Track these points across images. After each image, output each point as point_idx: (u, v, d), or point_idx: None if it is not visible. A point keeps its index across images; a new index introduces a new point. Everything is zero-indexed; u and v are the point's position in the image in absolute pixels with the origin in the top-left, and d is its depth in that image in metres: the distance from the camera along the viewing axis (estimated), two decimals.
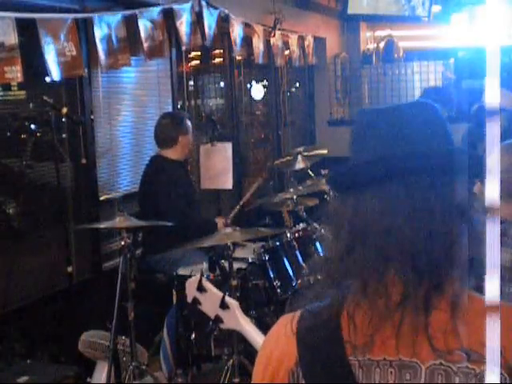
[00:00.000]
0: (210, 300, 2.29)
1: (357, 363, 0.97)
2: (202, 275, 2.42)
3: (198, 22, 4.68)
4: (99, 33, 3.75)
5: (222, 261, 3.42)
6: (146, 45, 4.11)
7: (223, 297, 2.24)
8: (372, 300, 0.96)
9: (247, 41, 5.64)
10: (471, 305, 0.95)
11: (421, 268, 0.94)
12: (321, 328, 1.00)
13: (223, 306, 2.21)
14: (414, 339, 0.95)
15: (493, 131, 0.56)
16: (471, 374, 0.93)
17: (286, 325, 1.04)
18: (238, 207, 4.52)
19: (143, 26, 4.08)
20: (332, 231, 1.04)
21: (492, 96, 0.56)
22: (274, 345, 1.05)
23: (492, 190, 0.55)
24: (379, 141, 1.01)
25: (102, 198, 4.40)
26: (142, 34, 4.08)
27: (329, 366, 0.98)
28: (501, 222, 0.56)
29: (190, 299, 2.41)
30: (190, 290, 2.41)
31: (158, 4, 4.35)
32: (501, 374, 0.91)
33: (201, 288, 2.35)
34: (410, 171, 0.97)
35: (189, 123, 4.34)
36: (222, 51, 6.21)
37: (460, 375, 0.94)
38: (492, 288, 0.56)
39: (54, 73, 3.42)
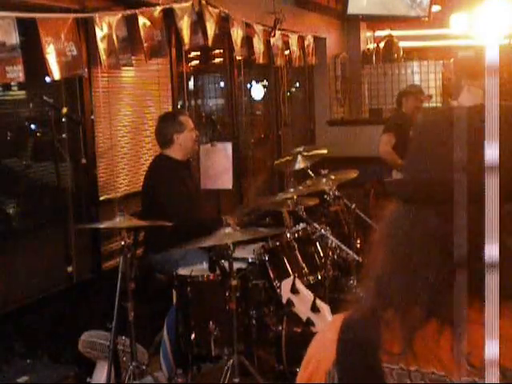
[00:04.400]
0: (303, 302, 2.28)
1: (389, 371, 0.95)
2: (295, 276, 2.42)
3: (198, 21, 4.68)
4: (100, 33, 3.75)
5: (222, 261, 3.43)
6: (145, 45, 4.11)
7: (314, 300, 2.22)
8: (410, 309, 0.95)
9: (247, 41, 5.64)
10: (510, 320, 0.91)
11: (463, 282, 0.91)
12: (360, 333, 0.99)
13: (314, 309, 2.20)
14: (448, 353, 0.92)
15: (492, 127, 0.56)
16: None
17: (331, 327, 1.04)
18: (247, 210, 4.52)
19: (143, 25, 4.08)
20: (387, 241, 1.01)
21: (492, 96, 0.57)
22: (317, 345, 1.06)
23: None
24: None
25: (101, 198, 4.40)
26: (142, 34, 4.08)
27: (362, 371, 0.98)
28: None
29: (284, 300, 2.42)
30: (285, 292, 2.41)
31: (158, 4, 4.36)
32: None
33: (294, 289, 2.35)
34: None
35: (184, 121, 4.30)
36: (222, 51, 6.21)
37: None
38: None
39: (55, 73, 3.42)
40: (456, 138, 0.94)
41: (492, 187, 0.56)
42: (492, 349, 0.56)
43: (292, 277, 2.42)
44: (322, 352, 1.03)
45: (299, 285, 2.37)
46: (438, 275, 0.94)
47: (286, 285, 2.41)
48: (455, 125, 0.95)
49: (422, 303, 0.94)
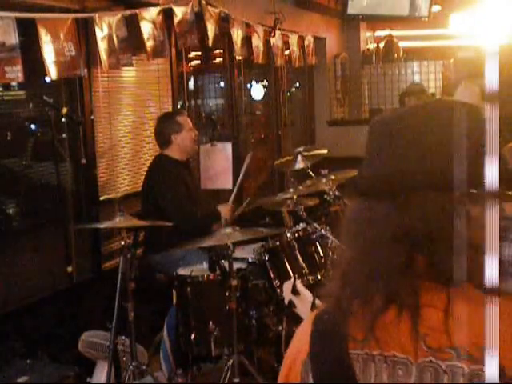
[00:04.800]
0: (303, 303, 2.30)
1: (356, 357, 1.02)
2: (295, 278, 2.43)
3: (197, 21, 4.68)
4: (100, 33, 3.75)
5: (222, 261, 3.43)
6: (148, 45, 4.11)
7: (314, 300, 2.23)
8: (371, 297, 1.01)
9: (247, 41, 5.64)
10: (468, 303, 0.97)
11: (417, 268, 0.99)
12: (330, 323, 1.06)
13: (313, 308, 2.21)
14: (407, 336, 0.98)
15: (492, 127, 0.56)
16: (459, 372, 0.95)
17: (307, 321, 1.11)
18: (244, 205, 4.50)
19: (144, 25, 4.08)
20: (348, 234, 1.08)
21: (491, 95, 0.57)
22: (295, 339, 1.13)
23: (491, 175, 0.55)
24: (399, 150, 1.03)
25: (102, 198, 4.40)
26: (144, 34, 4.08)
27: (332, 358, 1.04)
28: (505, 218, 0.57)
29: (286, 301, 2.43)
30: (286, 293, 2.43)
31: (158, 4, 4.35)
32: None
33: (295, 291, 2.36)
34: (428, 187, 0.99)
35: (182, 121, 4.30)
36: (222, 51, 6.21)
37: (448, 373, 0.96)
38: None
39: (54, 73, 3.42)
40: (409, 135, 1.02)
41: (492, 176, 0.56)
42: (492, 349, 0.56)
43: (292, 278, 2.43)
44: (298, 344, 1.10)
45: (300, 286, 2.37)
46: (394, 263, 0.99)
47: (287, 286, 2.43)
48: (409, 122, 1.04)
49: (382, 291, 1.00)
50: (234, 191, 4.46)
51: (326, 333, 1.06)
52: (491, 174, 0.55)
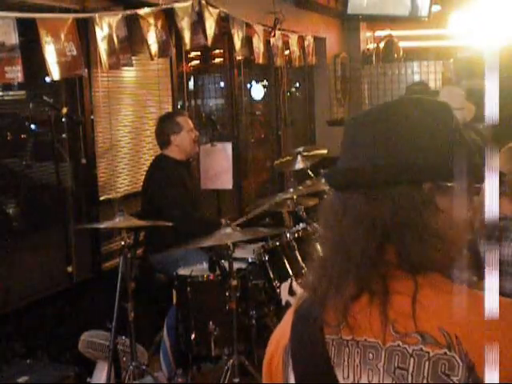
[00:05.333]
0: None
1: (331, 342, 1.08)
2: (291, 279, 2.44)
3: (198, 21, 4.68)
4: (100, 33, 3.75)
5: (222, 261, 3.43)
6: (150, 45, 4.11)
7: None
8: (345, 285, 1.06)
9: (247, 41, 5.64)
10: (435, 291, 1.02)
11: (387, 257, 1.04)
12: (308, 311, 1.12)
13: None
14: (377, 322, 1.03)
15: (492, 128, 0.56)
16: (425, 356, 0.99)
17: (290, 310, 1.18)
18: (245, 217, 4.51)
19: (144, 25, 4.08)
20: (324, 225, 1.16)
21: (491, 95, 0.57)
22: (279, 326, 1.20)
23: (491, 188, 0.55)
24: (365, 147, 1.10)
25: (102, 198, 4.40)
26: (145, 34, 4.08)
27: (309, 343, 1.10)
28: (504, 218, 0.57)
29: (283, 302, 2.43)
30: (284, 294, 2.43)
31: (158, 4, 4.35)
32: (453, 357, 0.97)
33: (291, 291, 2.37)
34: (394, 181, 1.06)
35: (182, 122, 4.30)
36: (222, 51, 6.21)
37: (414, 357, 1.00)
38: (491, 284, 0.56)
39: (54, 73, 3.42)
40: (376, 130, 1.09)
41: (492, 186, 0.56)
42: (492, 349, 0.56)
43: (289, 279, 2.43)
44: (281, 331, 1.17)
45: (296, 287, 2.38)
46: (366, 252, 1.05)
47: (284, 287, 2.43)
48: (376, 119, 1.12)
49: (354, 279, 1.06)
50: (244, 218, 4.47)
51: (305, 320, 1.12)
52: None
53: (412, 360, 1.00)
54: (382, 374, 1.02)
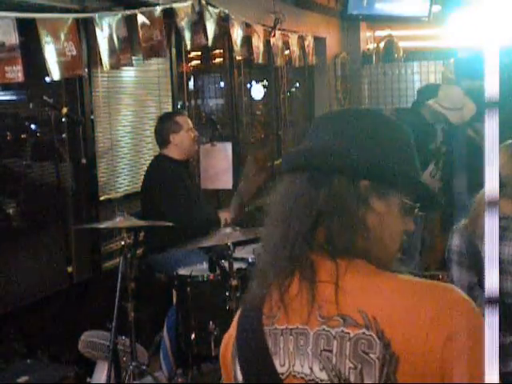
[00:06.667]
0: None
1: (268, 332, 1.15)
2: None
3: (198, 21, 4.68)
4: (100, 33, 3.75)
5: (222, 261, 3.43)
6: (144, 44, 4.10)
7: None
8: (279, 277, 1.14)
9: (247, 41, 5.64)
10: (357, 276, 1.10)
11: (317, 241, 1.13)
12: (251, 303, 1.19)
13: None
14: (307, 310, 1.11)
15: (492, 128, 0.56)
16: (346, 337, 1.05)
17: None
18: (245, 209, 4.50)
19: (143, 25, 4.08)
20: (271, 208, 1.22)
21: (491, 95, 0.57)
22: (234, 320, 1.26)
23: (491, 183, 0.55)
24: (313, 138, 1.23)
25: (102, 198, 4.40)
26: (142, 34, 4.07)
27: (250, 335, 1.17)
28: (504, 218, 0.57)
29: None
30: None
31: (158, 4, 4.35)
32: (371, 335, 1.03)
33: None
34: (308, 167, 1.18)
35: (181, 121, 4.30)
36: (222, 51, 6.21)
37: (337, 339, 1.06)
38: (491, 281, 0.56)
39: (54, 73, 3.42)
40: (326, 128, 1.21)
41: (492, 183, 0.56)
42: (492, 349, 0.56)
43: None
44: (233, 324, 1.24)
45: None
46: (302, 232, 1.12)
47: None
48: (328, 118, 1.27)
49: (288, 262, 1.13)
50: (235, 198, 4.46)
51: (247, 312, 1.20)
52: (491, 182, 0.55)
53: (335, 342, 1.06)
54: (311, 358, 1.08)
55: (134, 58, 4.13)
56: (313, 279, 1.11)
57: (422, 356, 1.00)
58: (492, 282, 0.56)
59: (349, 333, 1.05)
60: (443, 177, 5.20)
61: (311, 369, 1.08)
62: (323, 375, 1.07)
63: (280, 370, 1.12)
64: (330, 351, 1.06)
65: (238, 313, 1.23)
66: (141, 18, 4.06)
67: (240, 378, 1.17)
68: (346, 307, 1.07)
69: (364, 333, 1.04)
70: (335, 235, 1.11)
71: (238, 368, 1.18)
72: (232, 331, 1.23)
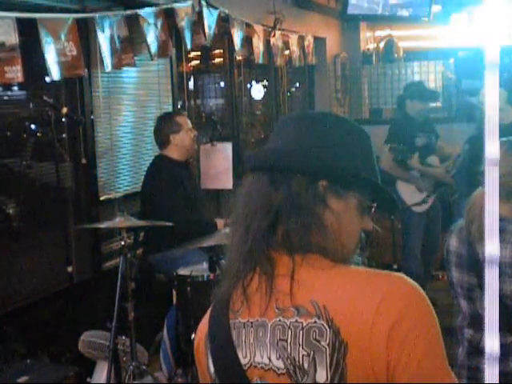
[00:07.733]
0: None
1: (233, 325, 1.20)
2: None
3: (198, 21, 4.68)
4: (101, 33, 3.74)
5: (222, 261, 3.42)
6: (151, 45, 4.10)
7: None
8: (242, 273, 1.20)
9: (247, 41, 5.64)
10: (311, 269, 1.14)
11: (276, 237, 1.17)
12: (220, 297, 1.26)
13: None
14: (265, 302, 1.16)
15: (492, 124, 0.56)
16: (299, 326, 1.11)
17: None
18: None
19: (145, 25, 4.08)
20: (235, 207, 1.27)
21: (491, 95, 0.57)
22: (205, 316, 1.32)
23: (492, 144, 0.56)
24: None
25: (102, 198, 4.40)
26: (145, 34, 4.07)
27: (218, 328, 1.23)
28: (500, 220, 0.57)
29: None
30: None
31: (158, 4, 4.35)
32: (321, 324, 1.08)
33: None
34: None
35: (181, 121, 4.30)
36: (222, 51, 6.21)
37: (292, 328, 1.11)
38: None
39: (54, 73, 3.42)
40: (289, 130, 1.26)
41: (492, 183, 0.56)
42: (492, 348, 0.56)
43: None
44: (206, 318, 1.29)
45: None
46: (261, 230, 1.17)
47: None
48: (291, 120, 1.30)
49: (248, 251, 1.19)
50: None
51: (216, 306, 1.27)
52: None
53: (290, 331, 1.11)
54: (269, 349, 1.14)
55: (135, 58, 4.13)
56: (271, 273, 1.16)
57: (368, 343, 1.04)
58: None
59: (302, 322, 1.10)
60: (456, 175, 5.18)
61: (269, 358, 1.14)
62: (280, 363, 1.12)
63: (243, 361, 1.18)
64: (286, 340, 1.12)
65: (210, 307, 1.29)
66: (141, 19, 4.06)
67: (212, 369, 1.23)
68: (299, 298, 1.12)
69: (315, 322, 1.08)
70: (293, 233, 1.15)
71: (210, 361, 1.24)
72: (204, 325, 1.28)
